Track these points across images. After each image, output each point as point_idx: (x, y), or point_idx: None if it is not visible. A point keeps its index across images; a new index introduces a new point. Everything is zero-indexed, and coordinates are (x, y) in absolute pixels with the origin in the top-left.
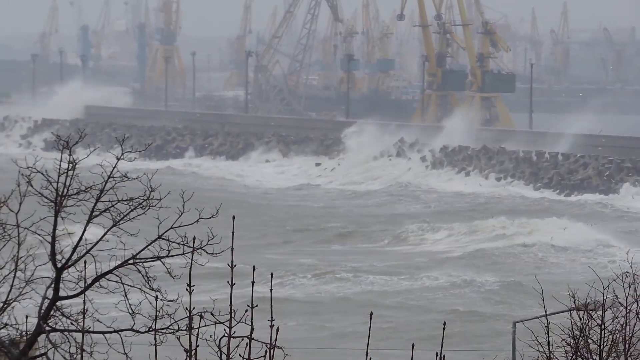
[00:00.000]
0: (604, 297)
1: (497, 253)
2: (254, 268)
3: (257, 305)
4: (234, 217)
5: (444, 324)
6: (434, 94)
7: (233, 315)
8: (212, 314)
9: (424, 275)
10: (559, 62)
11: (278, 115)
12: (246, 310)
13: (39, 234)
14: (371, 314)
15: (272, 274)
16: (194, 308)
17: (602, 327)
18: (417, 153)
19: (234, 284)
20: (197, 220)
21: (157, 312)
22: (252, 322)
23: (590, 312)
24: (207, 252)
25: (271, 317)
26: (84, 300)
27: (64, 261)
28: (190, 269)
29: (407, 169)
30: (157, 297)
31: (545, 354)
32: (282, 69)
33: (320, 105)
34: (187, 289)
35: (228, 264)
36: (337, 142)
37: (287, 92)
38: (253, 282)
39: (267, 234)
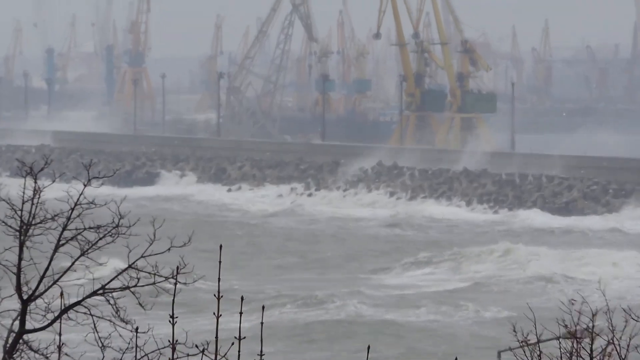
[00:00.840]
0: (593, 324)
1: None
2: (242, 298)
3: (244, 337)
4: (221, 246)
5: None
6: (412, 114)
7: (219, 348)
8: (196, 346)
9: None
10: (541, 80)
11: (251, 139)
12: (232, 343)
13: (3, 265)
14: (368, 347)
15: (263, 307)
16: (169, 340)
17: (591, 356)
18: (395, 177)
19: (221, 315)
20: (169, 249)
21: (128, 345)
22: (239, 356)
23: (580, 339)
24: (179, 282)
25: (261, 352)
26: (59, 332)
27: (30, 292)
28: (174, 300)
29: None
30: (136, 330)
31: None
32: (255, 90)
33: (295, 127)
34: (169, 320)
35: (215, 295)
36: (314, 166)
37: (260, 115)
38: (241, 313)
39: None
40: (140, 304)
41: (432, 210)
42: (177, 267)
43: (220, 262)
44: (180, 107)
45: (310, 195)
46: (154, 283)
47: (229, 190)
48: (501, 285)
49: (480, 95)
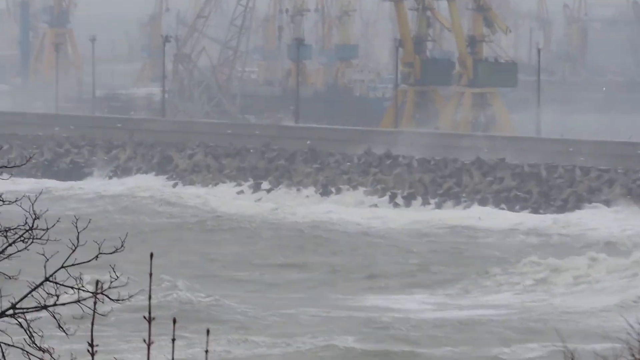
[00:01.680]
0: None
1: None
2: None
3: None
4: (152, 255)
5: None
6: (410, 89)
7: None
8: None
9: None
10: (574, 46)
11: (205, 120)
12: None
13: None
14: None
15: (208, 331)
16: None
17: None
18: (388, 168)
19: (152, 342)
20: (97, 257)
21: None
22: None
23: None
24: (109, 298)
25: None
26: None
27: None
28: (93, 322)
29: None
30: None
31: None
32: (210, 58)
33: (261, 105)
34: (88, 350)
35: (144, 316)
36: (284, 155)
37: (216, 89)
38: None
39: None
40: (60, 327)
41: (437, 214)
42: (97, 282)
43: (150, 274)
44: (115, 80)
45: (278, 191)
46: (77, 301)
47: (175, 185)
48: None
49: (496, 65)
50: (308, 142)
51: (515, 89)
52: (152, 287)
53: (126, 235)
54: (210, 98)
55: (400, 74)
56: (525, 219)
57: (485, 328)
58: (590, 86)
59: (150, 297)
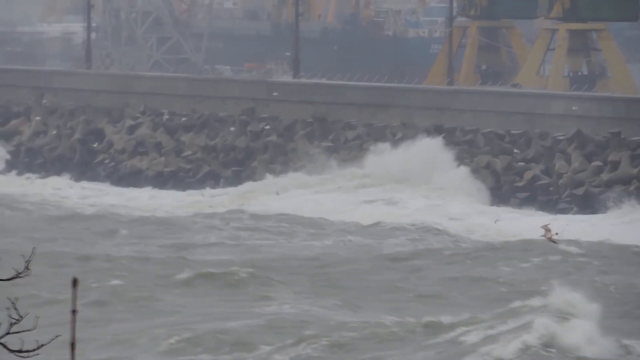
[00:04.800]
0: None
1: None
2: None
3: None
4: (75, 281)
5: None
6: (473, 25)
7: None
8: None
9: None
10: None
11: (154, 73)
12: None
13: None
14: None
15: None
16: None
17: None
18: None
19: None
20: None
21: None
22: None
23: None
24: (8, 350)
25: None
26: None
27: None
28: None
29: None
30: None
31: None
32: None
33: (240, 51)
34: None
35: None
36: (277, 128)
37: (171, 26)
38: None
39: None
40: None
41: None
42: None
43: (74, 311)
44: (15, 12)
45: (270, 177)
46: None
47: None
48: None
49: None
50: (313, 107)
51: (636, 24)
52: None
53: (31, 254)
54: (162, 40)
55: (457, 1)
56: None
57: None
58: None
59: (73, 344)
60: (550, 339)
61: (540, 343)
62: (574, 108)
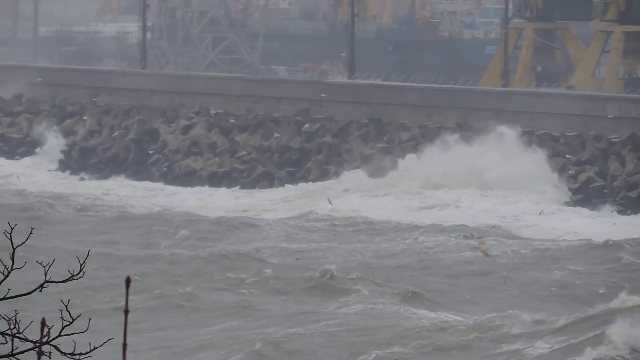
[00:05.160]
0: None
1: None
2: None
3: None
4: (128, 280)
5: None
6: (528, 26)
7: None
8: None
9: None
10: None
11: (209, 73)
12: None
13: None
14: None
15: None
16: None
17: None
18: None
19: None
20: (41, 288)
21: None
22: None
23: None
24: (60, 352)
25: None
26: None
27: None
28: None
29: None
30: None
31: None
32: None
33: (295, 51)
34: None
35: None
36: (331, 129)
37: (227, 26)
38: None
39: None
40: None
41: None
42: (44, 323)
43: (126, 312)
44: (69, 12)
45: (323, 180)
46: (11, 354)
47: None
48: None
49: None
50: (369, 108)
51: None
52: None
53: (88, 254)
54: (218, 39)
55: (513, 2)
56: None
57: None
58: None
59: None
60: None
61: None
62: (630, 110)
